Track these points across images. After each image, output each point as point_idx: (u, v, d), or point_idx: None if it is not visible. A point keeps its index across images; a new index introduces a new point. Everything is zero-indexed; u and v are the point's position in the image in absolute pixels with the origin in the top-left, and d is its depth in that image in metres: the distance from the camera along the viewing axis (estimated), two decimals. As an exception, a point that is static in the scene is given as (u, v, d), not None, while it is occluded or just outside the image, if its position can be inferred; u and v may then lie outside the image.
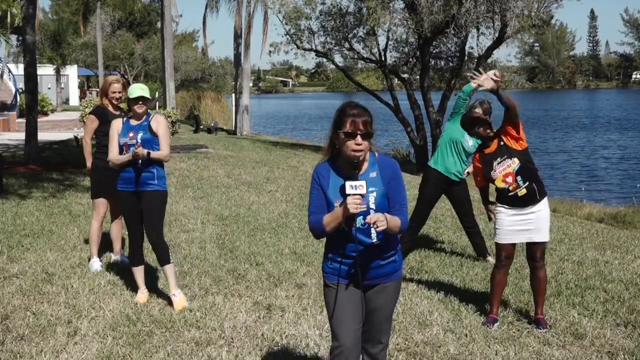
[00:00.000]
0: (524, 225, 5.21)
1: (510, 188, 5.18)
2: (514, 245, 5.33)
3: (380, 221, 3.17)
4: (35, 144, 14.64)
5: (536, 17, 17.97)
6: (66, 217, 9.04)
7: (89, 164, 6.85)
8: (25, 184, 11.61)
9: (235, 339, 4.90)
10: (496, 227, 5.34)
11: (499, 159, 5.21)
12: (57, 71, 37.78)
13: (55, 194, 10.80)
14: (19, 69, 28.76)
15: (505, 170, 5.19)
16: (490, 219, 5.59)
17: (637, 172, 23.02)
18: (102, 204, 6.73)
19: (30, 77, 14.70)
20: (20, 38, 24.00)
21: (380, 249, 3.44)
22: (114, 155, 5.64)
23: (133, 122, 5.63)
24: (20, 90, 27.71)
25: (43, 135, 18.56)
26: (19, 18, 17.04)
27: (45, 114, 31.25)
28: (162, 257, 5.64)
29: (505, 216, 5.24)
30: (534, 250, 5.30)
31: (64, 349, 4.70)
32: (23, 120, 18.01)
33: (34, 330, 5.01)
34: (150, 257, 6.75)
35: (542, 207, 5.24)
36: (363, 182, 3.21)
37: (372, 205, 3.34)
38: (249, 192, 11.72)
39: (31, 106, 14.90)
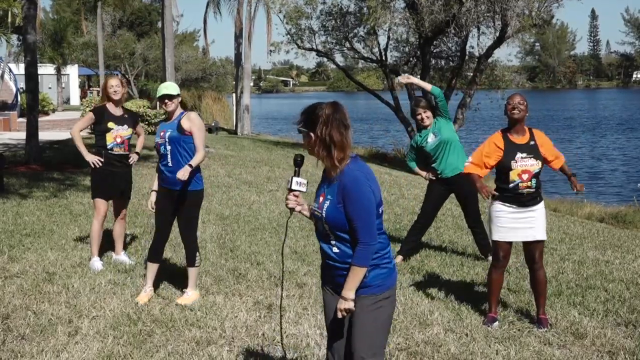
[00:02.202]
0: (524, 223, 5.21)
1: (521, 185, 5.16)
2: (510, 243, 5.31)
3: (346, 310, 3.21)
4: (36, 144, 14.63)
5: (537, 16, 17.99)
6: (67, 217, 9.04)
7: (89, 157, 6.52)
8: (26, 184, 11.61)
9: (236, 339, 4.91)
10: (495, 224, 5.29)
11: (525, 154, 5.19)
12: (58, 71, 37.76)
13: (56, 193, 10.80)
14: (19, 69, 28.74)
15: (526, 167, 5.17)
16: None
17: (637, 172, 23.00)
18: (102, 203, 6.73)
19: (31, 77, 14.68)
20: (21, 38, 23.97)
21: (337, 261, 3.30)
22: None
23: (166, 122, 5.68)
24: (21, 90, 27.72)
25: (44, 135, 18.56)
26: (19, 18, 17.04)
27: (46, 113, 31.21)
28: (193, 258, 5.71)
29: (505, 214, 5.23)
30: (533, 251, 5.28)
31: (65, 348, 4.70)
32: (24, 120, 17.98)
33: (34, 329, 5.01)
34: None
35: (540, 207, 5.26)
36: (304, 181, 3.35)
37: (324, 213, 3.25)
38: (249, 191, 11.72)
39: (32, 106, 14.90)
